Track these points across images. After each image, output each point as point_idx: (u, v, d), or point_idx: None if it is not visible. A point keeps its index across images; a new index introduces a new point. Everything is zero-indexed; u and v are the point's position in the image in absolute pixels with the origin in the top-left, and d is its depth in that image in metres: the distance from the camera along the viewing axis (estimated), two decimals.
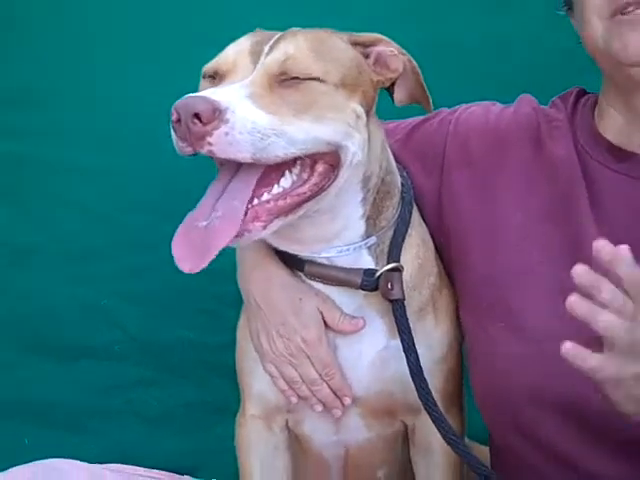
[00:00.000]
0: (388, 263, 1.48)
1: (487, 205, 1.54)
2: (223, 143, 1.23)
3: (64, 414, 2.21)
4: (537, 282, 1.45)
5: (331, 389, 1.52)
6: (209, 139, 1.23)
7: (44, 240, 2.16)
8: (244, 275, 1.57)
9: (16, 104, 2.14)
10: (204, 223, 1.29)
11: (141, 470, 2.15)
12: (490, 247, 1.51)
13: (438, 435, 1.49)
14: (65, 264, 2.17)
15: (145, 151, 2.12)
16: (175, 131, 1.26)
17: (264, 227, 1.31)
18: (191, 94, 1.27)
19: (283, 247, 1.49)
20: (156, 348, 2.18)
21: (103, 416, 2.22)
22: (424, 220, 1.60)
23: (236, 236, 1.27)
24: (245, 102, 1.27)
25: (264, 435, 1.61)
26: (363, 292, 1.48)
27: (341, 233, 1.46)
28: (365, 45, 1.45)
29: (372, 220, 1.47)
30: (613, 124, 1.48)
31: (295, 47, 1.35)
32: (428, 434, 1.57)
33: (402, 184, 1.54)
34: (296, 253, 1.49)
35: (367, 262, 1.48)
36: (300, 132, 1.30)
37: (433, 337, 1.54)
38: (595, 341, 1.38)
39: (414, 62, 1.47)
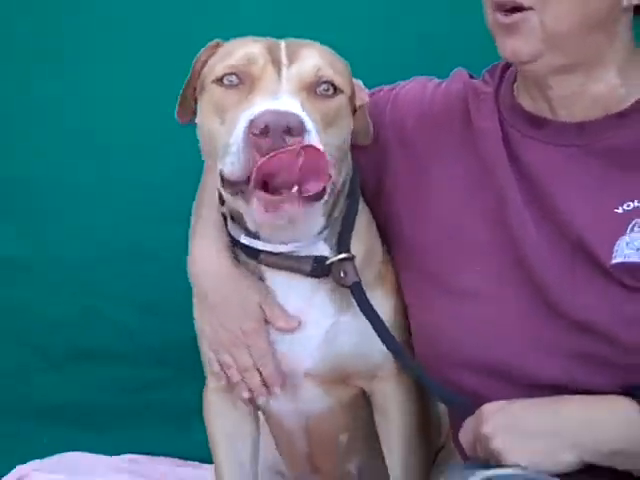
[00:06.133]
0: (339, 251, 1.54)
1: (421, 179, 1.60)
2: None
3: (82, 415, 2.37)
4: (469, 247, 1.53)
5: (262, 378, 1.59)
6: None
7: (40, 253, 2.33)
8: (193, 262, 1.64)
9: (5, 121, 2.30)
10: None
11: (152, 459, 2.30)
12: (424, 217, 1.59)
13: (395, 398, 1.62)
14: (67, 275, 2.34)
15: (139, 161, 2.25)
16: (255, 144, 1.26)
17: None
18: (268, 108, 1.28)
19: (246, 241, 1.56)
20: (170, 351, 2.30)
21: (120, 416, 2.37)
22: (367, 200, 1.66)
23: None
24: (306, 116, 1.31)
25: (227, 406, 1.68)
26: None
27: (304, 231, 1.52)
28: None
29: (330, 215, 1.55)
30: (527, 96, 1.55)
31: (317, 58, 1.41)
32: (384, 398, 1.65)
33: (352, 173, 1.61)
34: (258, 247, 1.55)
35: (323, 251, 1.55)
36: (331, 148, 1.37)
37: (384, 310, 1.59)
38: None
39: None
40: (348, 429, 1.73)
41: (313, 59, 1.41)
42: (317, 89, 1.40)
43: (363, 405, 1.69)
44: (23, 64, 2.30)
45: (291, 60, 1.39)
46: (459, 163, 1.58)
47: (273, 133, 1.25)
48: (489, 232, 1.51)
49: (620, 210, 1.42)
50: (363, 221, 1.61)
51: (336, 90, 1.42)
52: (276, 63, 1.39)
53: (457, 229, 1.55)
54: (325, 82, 1.40)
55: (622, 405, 1.35)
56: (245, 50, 1.42)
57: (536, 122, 1.52)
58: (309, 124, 1.31)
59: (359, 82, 1.57)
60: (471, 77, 1.67)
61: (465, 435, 1.44)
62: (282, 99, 1.33)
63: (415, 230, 1.61)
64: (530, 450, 1.34)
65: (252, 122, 1.27)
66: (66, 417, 2.35)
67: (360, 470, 1.80)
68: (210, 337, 1.61)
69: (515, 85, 1.58)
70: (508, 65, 1.63)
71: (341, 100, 1.43)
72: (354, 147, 1.62)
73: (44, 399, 2.37)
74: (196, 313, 1.66)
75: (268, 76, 1.37)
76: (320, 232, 1.54)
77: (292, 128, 1.26)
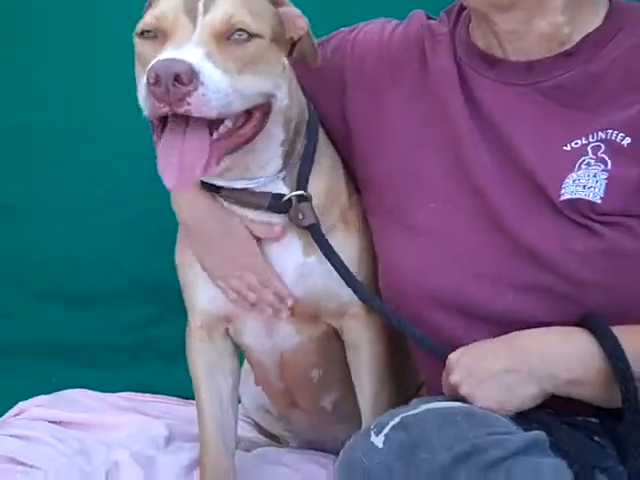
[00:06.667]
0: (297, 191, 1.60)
1: (377, 116, 1.64)
2: (199, 103, 1.33)
3: (86, 353, 2.44)
4: (423, 183, 1.57)
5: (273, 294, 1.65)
6: (188, 99, 1.33)
7: (36, 195, 2.40)
8: (175, 202, 1.71)
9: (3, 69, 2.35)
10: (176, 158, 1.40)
11: (150, 397, 2.36)
12: (380, 153, 1.63)
13: (365, 335, 1.69)
14: (68, 219, 2.40)
15: (129, 109, 2.27)
16: (153, 93, 1.33)
17: (217, 163, 1.42)
18: (163, 57, 1.34)
19: (208, 180, 1.61)
20: (164, 289, 2.25)
21: (121, 353, 2.45)
22: (338, 145, 1.70)
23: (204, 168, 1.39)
24: (207, 63, 1.36)
25: (208, 343, 1.75)
26: (285, 215, 1.61)
27: (261, 170, 1.58)
28: (274, 4, 1.56)
29: (288, 156, 1.60)
30: (480, 33, 1.57)
31: (232, 5, 1.44)
32: (354, 335, 1.71)
33: (309, 116, 1.65)
34: (220, 184, 1.61)
35: (281, 190, 1.61)
36: (248, 88, 1.42)
37: (348, 252, 1.65)
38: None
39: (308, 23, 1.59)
40: (319, 365, 1.79)
41: (226, 6, 1.43)
42: (231, 36, 1.42)
43: (334, 342, 1.75)
44: (24, 10, 2.35)
45: (207, 9, 1.42)
46: (414, 101, 1.61)
47: (164, 81, 1.30)
48: (443, 168, 1.55)
49: (568, 147, 1.46)
50: (324, 163, 1.65)
51: (252, 35, 1.44)
52: (192, 13, 1.42)
53: (410, 165, 1.59)
54: (238, 29, 1.43)
55: (574, 335, 1.39)
56: (162, 4, 1.45)
57: (490, 61, 1.55)
58: (208, 71, 1.34)
59: (295, 11, 1.57)
60: (429, 18, 1.69)
61: (445, 387, 1.47)
62: (184, 48, 1.36)
63: (373, 167, 1.65)
64: (492, 392, 1.38)
65: (148, 72, 1.32)
66: (66, 355, 2.42)
67: (335, 406, 1.87)
68: (211, 268, 1.66)
69: (470, 25, 1.61)
70: (464, 6, 1.64)
71: (258, 44, 1.45)
72: (317, 93, 1.67)
73: (44, 338, 2.44)
74: (184, 252, 1.72)
75: (180, 27, 1.40)
76: (278, 172, 1.59)
77: (180, 75, 1.30)
